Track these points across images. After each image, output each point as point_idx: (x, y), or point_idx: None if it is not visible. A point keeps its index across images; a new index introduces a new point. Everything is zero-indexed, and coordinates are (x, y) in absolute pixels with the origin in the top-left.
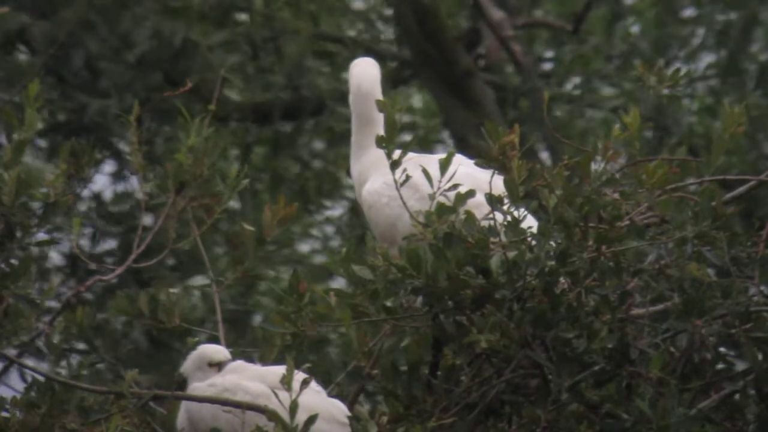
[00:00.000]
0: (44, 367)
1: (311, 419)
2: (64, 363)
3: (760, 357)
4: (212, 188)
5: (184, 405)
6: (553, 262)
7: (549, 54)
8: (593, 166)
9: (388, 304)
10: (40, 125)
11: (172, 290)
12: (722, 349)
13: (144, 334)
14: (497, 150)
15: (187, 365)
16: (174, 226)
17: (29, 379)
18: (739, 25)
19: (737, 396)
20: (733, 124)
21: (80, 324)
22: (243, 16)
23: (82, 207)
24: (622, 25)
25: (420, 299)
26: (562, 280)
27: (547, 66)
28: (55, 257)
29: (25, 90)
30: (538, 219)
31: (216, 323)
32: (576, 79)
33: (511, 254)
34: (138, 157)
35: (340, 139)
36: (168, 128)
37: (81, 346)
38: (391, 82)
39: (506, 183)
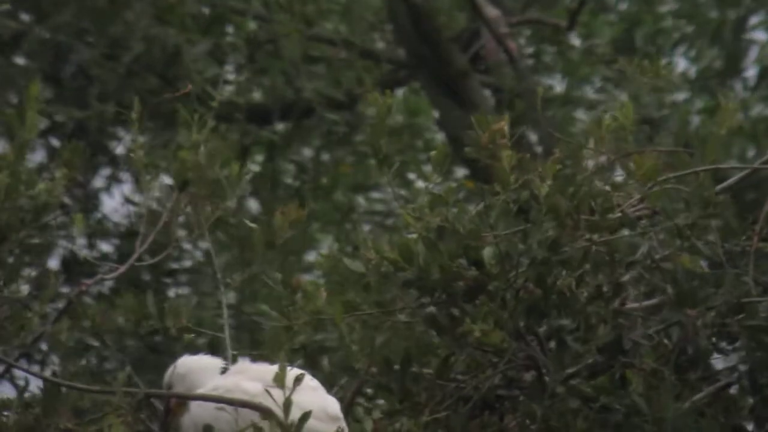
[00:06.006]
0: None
1: (304, 417)
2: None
3: (754, 346)
4: (216, 187)
5: (189, 413)
6: (545, 252)
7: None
8: (585, 158)
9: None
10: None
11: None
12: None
13: (143, 339)
14: (487, 138)
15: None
16: (177, 225)
17: (22, 384)
18: (732, 23)
19: (732, 388)
20: (729, 118)
21: (93, 318)
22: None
23: (79, 210)
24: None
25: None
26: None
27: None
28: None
29: (26, 91)
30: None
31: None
32: (563, 79)
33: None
34: (140, 155)
35: (335, 141)
36: (165, 132)
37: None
38: (387, 84)
39: (496, 172)
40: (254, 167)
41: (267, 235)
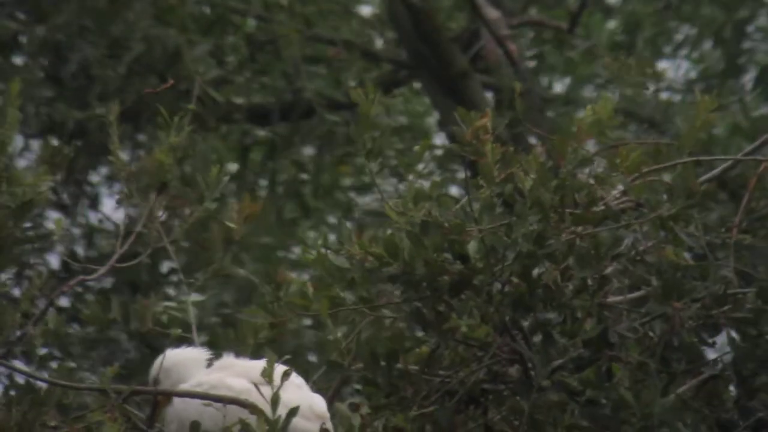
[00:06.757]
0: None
1: (292, 412)
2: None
3: (738, 338)
4: (193, 188)
5: (173, 406)
6: (530, 245)
7: (532, 52)
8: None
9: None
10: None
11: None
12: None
13: (133, 340)
14: (470, 134)
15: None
16: (156, 227)
17: (6, 380)
18: (732, 24)
19: (717, 380)
20: (705, 110)
21: (55, 332)
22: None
23: (78, 210)
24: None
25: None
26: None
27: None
28: (53, 262)
29: (7, 88)
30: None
31: (203, 328)
32: (564, 80)
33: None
34: (119, 156)
35: (333, 141)
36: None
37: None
38: (387, 84)
39: (481, 167)
40: (252, 167)
41: (224, 232)
